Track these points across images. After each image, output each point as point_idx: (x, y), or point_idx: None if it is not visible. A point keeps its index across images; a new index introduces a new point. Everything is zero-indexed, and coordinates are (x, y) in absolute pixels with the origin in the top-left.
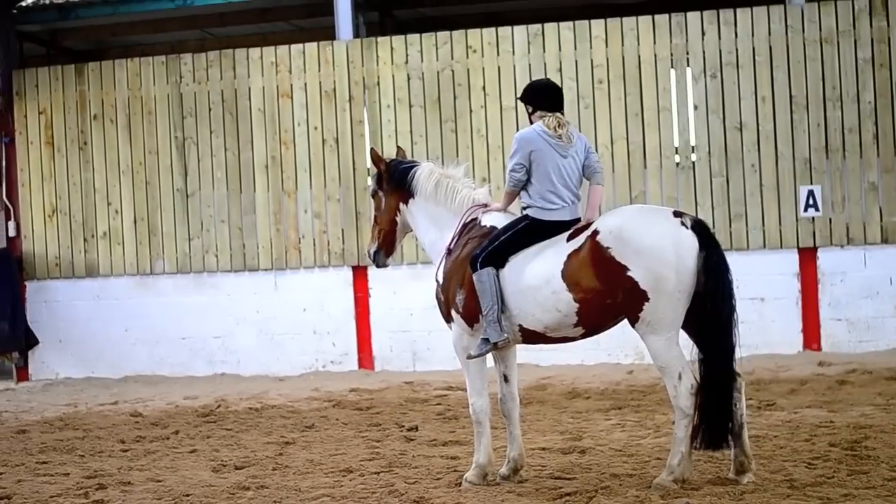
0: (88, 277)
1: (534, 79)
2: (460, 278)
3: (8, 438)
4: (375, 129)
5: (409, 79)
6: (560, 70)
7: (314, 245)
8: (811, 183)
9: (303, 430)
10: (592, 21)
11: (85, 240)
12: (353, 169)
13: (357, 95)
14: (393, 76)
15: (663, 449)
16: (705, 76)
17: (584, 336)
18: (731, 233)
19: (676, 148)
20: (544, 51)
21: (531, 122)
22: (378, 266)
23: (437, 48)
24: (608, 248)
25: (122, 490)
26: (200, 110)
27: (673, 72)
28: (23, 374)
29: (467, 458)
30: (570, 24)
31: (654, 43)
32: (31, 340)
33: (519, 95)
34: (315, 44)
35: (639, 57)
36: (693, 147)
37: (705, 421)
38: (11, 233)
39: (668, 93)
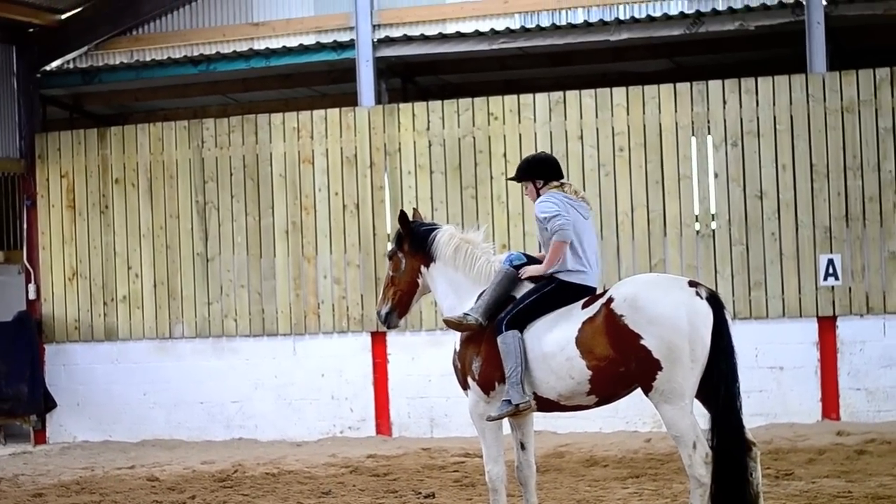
0: (107, 341)
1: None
2: (477, 345)
3: (25, 502)
4: (396, 195)
5: (430, 145)
6: (581, 137)
7: (333, 310)
8: (831, 252)
9: (320, 496)
10: (614, 89)
11: (105, 303)
12: (374, 234)
13: (378, 161)
14: (414, 142)
15: None
16: (726, 144)
17: (597, 404)
18: (750, 301)
19: (696, 216)
20: (565, 118)
21: (537, 196)
22: (389, 327)
23: (458, 115)
24: (622, 315)
25: None
26: (222, 175)
27: (694, 140)
28: (40, 437)
29: None
30: (592, 91)
31: (676, 111)
32: (49, 403)
33: (520, 174)
34: (337, 109)
35: (660, 125)
36: (713, 215)
37: (721, 494)
38: (31, 295)
39: (689, 160)
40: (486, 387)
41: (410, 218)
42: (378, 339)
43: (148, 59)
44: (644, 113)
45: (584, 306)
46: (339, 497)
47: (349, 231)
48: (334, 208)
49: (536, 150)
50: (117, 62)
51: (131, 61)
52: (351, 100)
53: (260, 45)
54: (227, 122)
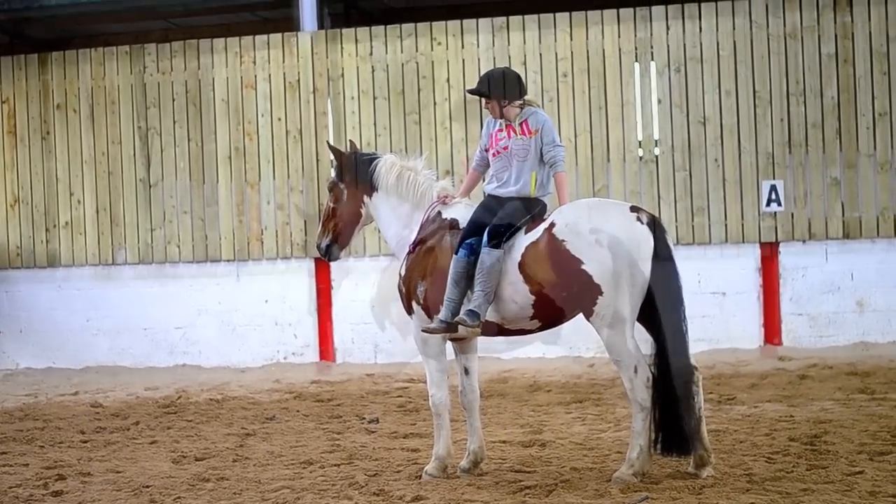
0: (50, 267)
1: (501, 68)
2: (422, 270)
3: None
4: (339, 120)
5: (373, 70)
6: (524, 63)
7: (276, 236)
8: (773, 178)
9: (264, 421)
10: (557, 14)
11: (47, 229)
12: (317, 160)
13: (321, 87)
14: (357, 68)
15: (623, 443)
16: (669, 70)
17: (540, 329)
18: (693, 227)
19: (640, 142)
20: (509, 43)
21: (500, 115)
22: (330, 259)
23: (401, 40)
24: (563, 240)
25: (81, 481)
26: (164, 101)
27: (637, 65)
28: None
29: (428, 451)
30: (535, 16)
31: (619, 36)
32: None
33: (492, 91)
34: (279, 35)
35: (603, 50)
36: (656, 141)
37: (666, 425)
38: None
39: (632, 86)
40: (430, 311)
41: (348, 149)
42: (322, 266)
43: None
44: (587, 38)
45: (527, 231)
46: (283, 422)
47: (292, 157)
48: (277, 134)
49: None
50: None
51: None
52: (293, 25)
53: None
54: (168, 47)
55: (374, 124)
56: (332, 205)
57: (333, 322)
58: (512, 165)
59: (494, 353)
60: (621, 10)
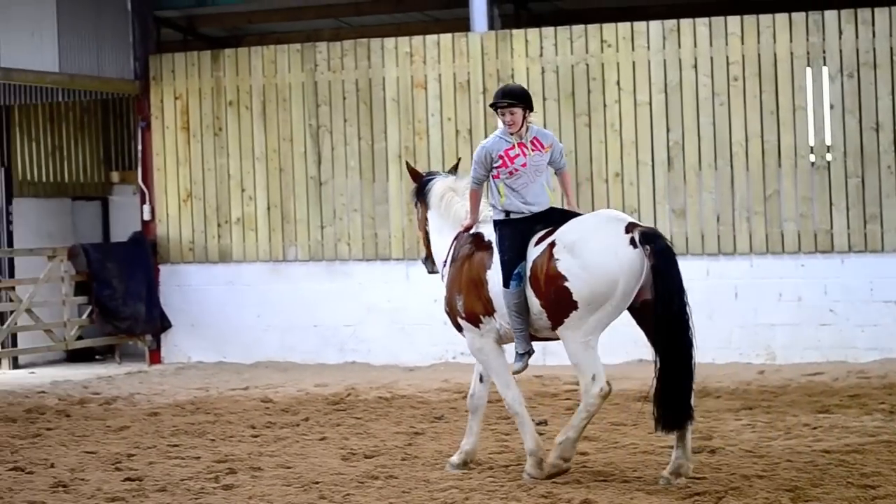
0: (221, 263)
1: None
2: (458, 285)
3: (140, 421)
4: None
5: (543, 72)
6: (695, 66)
7: None
8: None
9: (432, 420)
10: (729, 18)
11: (219, 225)
12: None
13: (491, 87)
14: (527, 69)
15: (794, 451)
16: (842, 75)
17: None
18: (865, 234)
19: (811, 147)
20: (679, 46)
21: (525, 124)
22: (429, 272)
23: (571, 42)
24: (558, 259)
25: (252, 475)
26: (335, 99)
27: (809, 70)
28: (155, 357)
29: (596, 455)
30: (706, 20)
31: (791, 41)
32: (164, 323)
33: (528, 103)
34: (450, 35)
35: (775, 54)
36: (828, 147)
37: (666, 406)
38: (146, 216)
39: (804, 91)
40: (474, 320)
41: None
42: None
43: None
44: (759, 42)
45: (537, 243)
46: (451, 422)
47: (462, 156)
48: (447, 134)
49: (650, 78)
50: None
51: None
52: (463, 25)
53: None
54: (339, 45)
55: (544, 125)
56: (417, 222)
57: None
58: (534, 180)
59: None
60: (793, 15)
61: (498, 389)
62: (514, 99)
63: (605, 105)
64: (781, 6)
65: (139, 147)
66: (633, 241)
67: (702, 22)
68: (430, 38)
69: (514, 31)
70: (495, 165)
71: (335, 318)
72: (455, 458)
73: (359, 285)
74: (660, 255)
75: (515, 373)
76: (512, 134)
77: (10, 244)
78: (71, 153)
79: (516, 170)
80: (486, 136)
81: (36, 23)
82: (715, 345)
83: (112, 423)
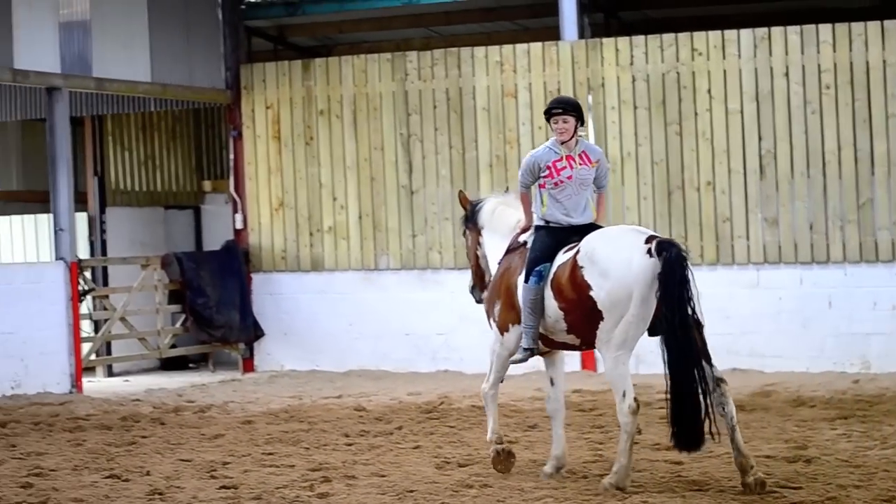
0: (314, 271)
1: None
2: (497, 291)
3: (234, 429)
4: (599, 130)
5: (633, 80)
6: (787, 74)
7: None
8: None
9: (525, 429)
10: (820, 25)
11: (311, 234)
12: None
13: (581, 96)
14: (617, 78)
15: (891, 461)
16: None
17: (580, 346)
18: None
19: None
20: (770, 55)
21: (576, 136)
22: (476, 302)
23: (662, 50)
24: (582, 267)
25: (346, 483)
26: (425, 108)
27: None
28: (248, 365)
29: (691, 464)
30: (798, 28)
31: (883, 49)
32: (258, 332)
33: (580, 114)
34: (540, 44)
35: (867, 63)
36: None
37: (677, 423)
38: (238, 225)
39: None
40: (503, 326)
41: (460, 200)
42: None
43: None
44: (850, 50)
45: (567, 251)
46: (545, 431)
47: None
48: (537, 142)
49: (741, 87)
50: None
51: None
52: (553, 34)
53: None
54: (430, 55)
55: (635, 134)
56: (466, 250)
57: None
58: (579, 194)
59: (757, 366)
60: (886, 23)
61: (483, 384)
62: (567, 107)
63: (696, 113)
64: (873, 14)
65: (231, 156)
66: (649, 251)
67: (793, 30)
68: (521, 47)
69: (605, 40)
70: (542, 175)
71: (427, 326)
72: (547, 468)
73: (450, 294)
74: (667, 263)
75: (514, 362)
76: (563, 144)
77: (104, 253)
78: (163, 162)
79: (561, 181)
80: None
81: (128, 33)
82: (809, 354)
83: (206, 432)
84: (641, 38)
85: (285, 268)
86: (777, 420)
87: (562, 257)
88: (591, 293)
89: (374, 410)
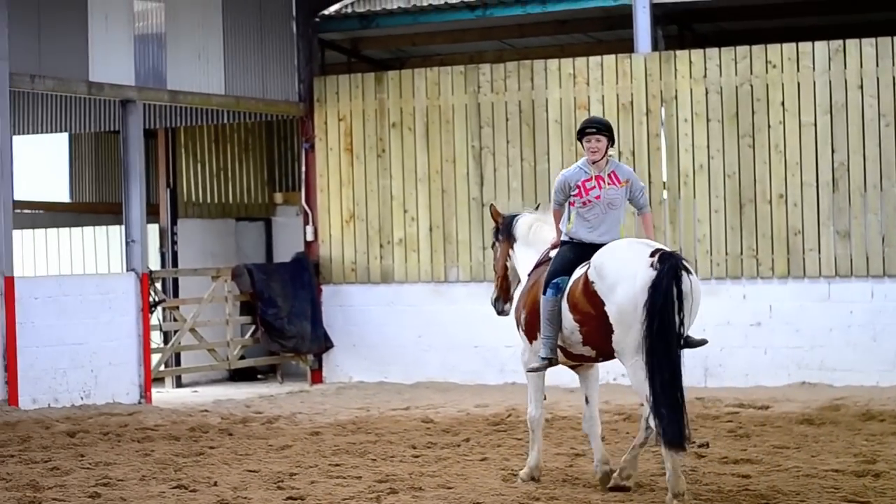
0: (383, 283)
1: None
2: (524, 302)
3: (302, 440)
4: (672, 143)
5: (707, 93)
6: (861, 87)
7: None
8: None
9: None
10: (895, 38)
11: (381, 246)
12: (649, 183)
13: (654, 109)
14: (691, 90)
15: None
16: None
17: (597, 357)
18: None
19: None
20: (845, 67)
21: (606, 156)
22: (499, 313)
23: (735, 62)
24: (593, 282)
25: (413, 495)
26: (497, 120)
27: None
28: (317, 377)
29: (758, 478)
30: (872, 40)
31: None
32: (327, 343)
33: (605, 131)
34: (613, 56)
35: None
36: None
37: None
38: (309, 237)
39: None
40: (530, 336)
41: (490, 213)
42: None
43: (425, 3)
44: None
45: (583, 266)
46: (611, 443)
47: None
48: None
49: (815, 99)
50: (394, 7)
51: (408, 6)
52: (626, 46)
53: None
54: (503, 67)
55: (708, 147)
56: (494, 262)
57: None
58: (607, 213)
59: (826, 379)
60: None
61: (528, 403)
62: (600, 127)
63: (769, 126)
64: None
65: (303, 168)
66: (653, 264)
67: (868, 42)
68: (594, 60)
69: (678, 52)
70: (572, 194)
71: (496, 339)
72: (598, 473)
73: None
74: (660, 272)
75: (532, 370)
76: (594, 163)
77: (175, 264)
78: (235, 174)
79: (590, 201)
80: (648, 158)
81: (203, 46)
82: (879, 367)
83: (274, 442)
84: (715, 50)
85: (355, 280)
86: (846, 434)
87: (578, 272)
88: (605, 308)
89: (441, 422)
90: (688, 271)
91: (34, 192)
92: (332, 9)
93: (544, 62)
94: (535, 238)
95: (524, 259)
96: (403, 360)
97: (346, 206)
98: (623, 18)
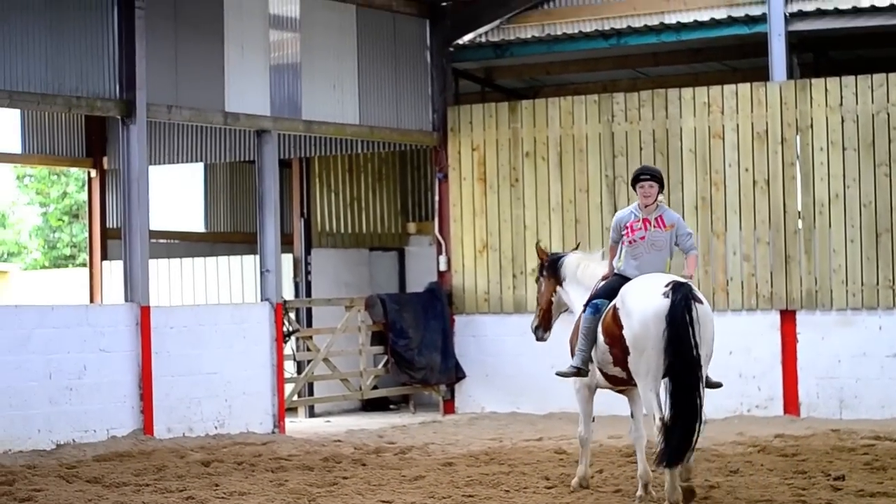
0: (516, 313)
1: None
2: (576, 330)
3: (435, 470)
4: (808, 171)
5: (842, 121)
6: None
7: (742, 287)
8: None
9: (727, 474)
10: None
11: (514, 276)
12: (784, 212)
13: (789, 137)
14: (826, 118)
15: None
16: None
17: (630, 379)
18: None
19: None
20: None
21: (657, 202)
22: (538, 340)
23: (872, 90)
24: (618, 308)
25: None
26: (631, 149)
27: None
28: (449, 407)
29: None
30: None
31: None
32: (459, 374)
33: (657, 179)
34: (748, 84)
35: None
36: None
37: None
38: (442, 267)
39: None
40: None
41: (537, 252)
42: (787, 318)
43: (559, 32)
44: None
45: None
46: (746, 476)
47: (759, 207)
48: (744, 184)
49: None
50: (528, 36)
51: (542, 35)
52: (761, 74)
53: (670, 19)
54: (637, 96)
55: (843, 175)
56: (537, 294)
57: (799, 375)
58: (650, 253)
59: None
60: None
61: (578, 427)
62: (653, 175)
63: None
64: None
65: (436, 198)
66: (665, 293)
67: None
68: (728, 88)
69: (814, 80)
70: (623, 234)
71: None
72: (639, 491)
73: None
74: (673, 301)
75: (560, 374)
76: (645, 207)
77: (309, 294)
78: (369, 204)
79: (634, 241)
80: (783, 187)
81: (337, 76)
82: None
83: (407, 473)
84: (851, 77)
85: (488, 310)
86: None
87: (615, 300)
88: (623, 332)
89: (574, 454)
90: (698, 300)
91: (170, 222)
92: (466, 38)
93: (678, 91)
94: (584, 275)
95: (575, 295)
96: (536, 390)
97: (479, 236)
98: (758, 46)
